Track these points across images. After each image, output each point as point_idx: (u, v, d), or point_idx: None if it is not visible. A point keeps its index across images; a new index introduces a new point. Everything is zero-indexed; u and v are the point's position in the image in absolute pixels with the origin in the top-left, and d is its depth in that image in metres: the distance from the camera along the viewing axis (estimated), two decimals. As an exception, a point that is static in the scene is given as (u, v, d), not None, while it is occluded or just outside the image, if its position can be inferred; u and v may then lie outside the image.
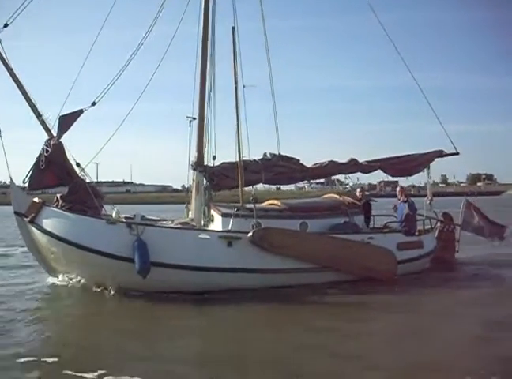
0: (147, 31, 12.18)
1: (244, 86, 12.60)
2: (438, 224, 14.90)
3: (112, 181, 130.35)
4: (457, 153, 14.74)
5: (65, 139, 11.25)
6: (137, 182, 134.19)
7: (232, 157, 12.47)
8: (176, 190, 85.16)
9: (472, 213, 15.21)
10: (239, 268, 10.91)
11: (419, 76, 15.53)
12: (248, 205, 11.73)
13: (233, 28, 12.15)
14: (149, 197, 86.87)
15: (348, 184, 54.09)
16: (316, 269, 11.45)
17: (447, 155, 14.80)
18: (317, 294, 10.78)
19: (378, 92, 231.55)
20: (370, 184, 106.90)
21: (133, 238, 10.37)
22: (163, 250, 10.44)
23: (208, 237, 11.06)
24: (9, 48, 11.01)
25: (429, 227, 14.37)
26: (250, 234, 10.94)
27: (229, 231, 11.28)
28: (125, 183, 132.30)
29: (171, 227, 11.63)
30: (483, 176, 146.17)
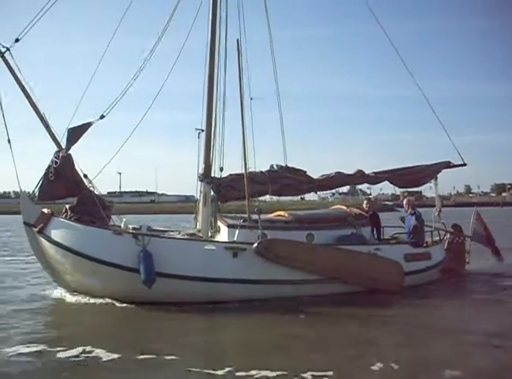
0: (155, 43, 12.35)
1: (252, 98, 12.77)
2: (448, 236, 14.83)
3: (136, 191, 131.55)
4: (465, 164, 14.71)
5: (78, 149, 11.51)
6: (160, 192, 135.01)
7: (240, 169, 12.59)
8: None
9: (482, 225, 15.15)
10: (244, 278, 10.94)
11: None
12: (254, 216, 11.80)
13: (237, 41, 12.29)
14: (173, 206, 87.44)
15: (370, 194, 54.12)
16: (322, 280, 11.43)
17: (455, 166, 14.77)
18: (317, 305, 10.72)
19: (387, 101, 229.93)
20: (393, 194, 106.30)
21: (138, 248, 10.48)
22: (169, 261, 10.53)
23: (213, 248, 11.13)
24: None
25: (438, 238, 14.32)
26: (255, 245, 10.99)
27: (235, 242, 11.36)
28: (148, 193, 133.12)
29: (176, 238, 11.74)
30: (508, 186, 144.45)
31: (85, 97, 12.63)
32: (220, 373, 6.72)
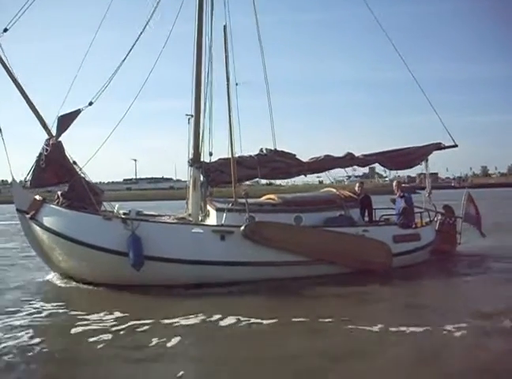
0: (142, 30, 12.47)
1: (237, 84, 12.89)
2: (439, 217, 14.94)
3: (152, 178, 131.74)
4: (456, 145, 14.77)
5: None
6: (175, 179, 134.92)
7: (227, 154, 12.78)
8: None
9: (472, 205, 15.26)
10: (231, 261, 11.17)
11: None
12: (242, 200, 11.98)
13: (224, 27, 12.41)
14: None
15: (386, 177, 53.99)
16: (310, 262, 11.62)
17: (446, 147, 14.84)
18: (303, 287, 10.84)
19: (384, 84, 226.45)
20: (409, 176, 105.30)
21: (127, 233, 10.72)
22: (157, 244, 10.76)
23: (201, 231, 11.35)
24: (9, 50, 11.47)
25: (428, 219, 14.44)
26: (242, 228, 11.19)
27: (222, 225, 11.56)
28: (164, 179, 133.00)
29: (164, 222, 11.96)
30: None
31: (78, 85, 12.87)
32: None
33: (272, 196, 13.39)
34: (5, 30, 11.42)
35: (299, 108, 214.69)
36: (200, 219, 12.59)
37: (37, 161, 11.55)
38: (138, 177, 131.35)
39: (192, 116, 13.20)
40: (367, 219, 13.80)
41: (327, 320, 8.35)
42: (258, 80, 14.32)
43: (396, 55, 14.99)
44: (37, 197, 11.55)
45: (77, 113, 11.91)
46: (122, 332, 7.93)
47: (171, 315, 8.71)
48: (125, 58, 12.27)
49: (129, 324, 8.30)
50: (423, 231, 13.70)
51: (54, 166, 11.61)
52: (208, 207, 12.42)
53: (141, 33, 12.40)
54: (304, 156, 14.09)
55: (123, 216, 11.42)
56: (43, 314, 9.10)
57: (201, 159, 13.12)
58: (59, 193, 11.76)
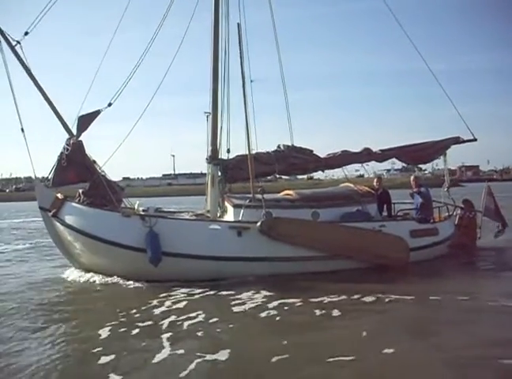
0: (157, 28, 12.71)
1: (252, 80, 13.00)
2: (459, 211, 14.87)
3: (190, 173, 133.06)
4: (475, 139, 14.64)
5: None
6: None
7: (245, 150, 12.91)
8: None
9: (492, 199, 15.13)
10: (248, 256, 11.32)
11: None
12: (259, 196, 12.11)
13: (238, 24, 12.51)
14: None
15: (425, 170, 53.36)
16: (326, 257, 11.70)
17: (464, 141, 14.74)
18: (318, 281, 10.74)
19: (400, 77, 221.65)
20: (449, 169, 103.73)
21: (146, 229, 10.96)
22: (175, 241, 10.98)
23: (218, 227, 11.53)
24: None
25: (447, 214, 14.39)
26: (258, 224, 11.34)
27: (239, 222, 11.72)
28: (203, 174, 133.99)
29: (182, 219, 12.18)
30: None
31: (97, 85, 13.16)
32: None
33: (290, 191, 13.50)
34: (26, 33, 11.75)
35: (325, 102, 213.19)
36: (218, 215, 12.76)
37: (58, 160, 11.87)
38: (176, 172, 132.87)
39: (210, 113, 13.37)
40: (385, 214, 13.82)
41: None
42: (277, 75, 14.37)
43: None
44: (59, 195, 11.87)
45: (96, 113, 12.19)
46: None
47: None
48: (141, 58, 12.51)
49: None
50: (441, 226, 13.66)
51: (74, 165, 11.91)
52: (226, 203, 12.58)
53: (157, 31, 12.65)
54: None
55: (142, 213, 11.65)
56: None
57: (219, 156, 13.28)
58: (80, 191, 12.07)
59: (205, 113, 13.56)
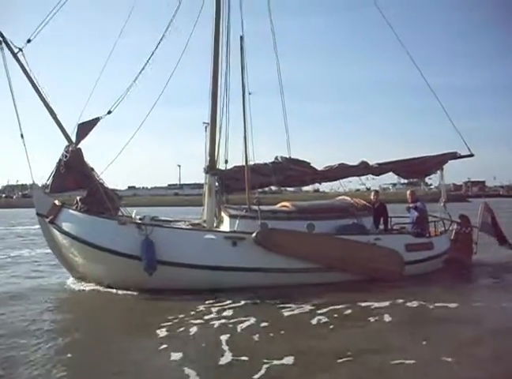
0: (160, 40, 12.79)
1: (250, 93, 13.09)
2: (455, 226, 14.92)
3: (195, 184, 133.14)
4: (472, 155, 14.73)
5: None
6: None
7: (242, 161, 12.99)
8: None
9: (490, 215, 15.16)
10: (243, 267, 11.38)
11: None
12: (255, 207, 12.19)
13: (241, 37, 12.65)
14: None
15: (431, 185, 53.27)
16: (320, 269, 11.76)
17: (461, 157, 14.81)
18: (311, 294, 10.77)
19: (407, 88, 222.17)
20: (454, 185, 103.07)
21: (141, 237, 11.03)
22: (170, 249, 11.04)
23: (213, 237, 11.61)
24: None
25: (443, 228, 14.44)
26: (253, 235, 11.41)
27: (234, 232, 11.79)
28: None
29: (178, 228, 12.24)
30: None
31: (97, 92, 13.25)
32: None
33: (286, 203, 13.58)
34: (29, 41, 11.84)
35: (329, 114, 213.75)
36: (214, 225, 12.83)
37: (57, 167, 11.96)
38: (182, 182, 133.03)
39: (208, 124, 13.48)
40: (382, 227, 13.88)
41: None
42: (276, 86, 14.47)
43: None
44: (56, 202, 11.94)
45: (96, 121, 12.27)
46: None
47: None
48: (144, 68, 12.56)
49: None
50: (436, 240, 13.72)
51: (73, 172, 11.99)
52: (223, 213, 12.67)
53: (160, 41, 12.71)
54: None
55: (137, 221, 11.72)
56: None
57: (217, 167, 13.37)
58: (78, 198, 12.13)
59: (204, 123, 13.68)
